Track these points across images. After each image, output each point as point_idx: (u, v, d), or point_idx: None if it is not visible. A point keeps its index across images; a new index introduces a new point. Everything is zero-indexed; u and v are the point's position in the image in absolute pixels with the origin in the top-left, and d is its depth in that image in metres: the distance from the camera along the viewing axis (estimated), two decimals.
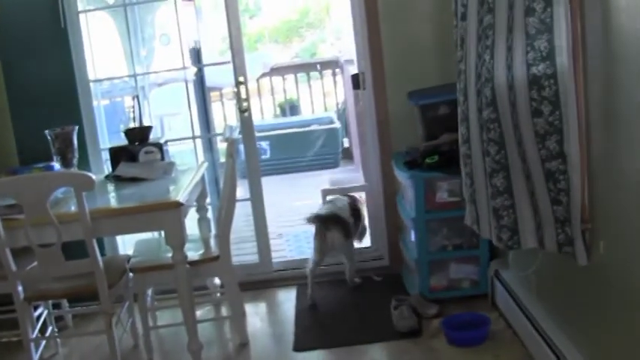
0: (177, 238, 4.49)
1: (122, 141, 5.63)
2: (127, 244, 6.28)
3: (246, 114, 6.02)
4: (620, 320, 3.24)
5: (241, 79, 5.95)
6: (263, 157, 10.24)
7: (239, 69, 5.96)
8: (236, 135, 5.13)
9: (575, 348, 3.76)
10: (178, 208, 4.43)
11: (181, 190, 4.66)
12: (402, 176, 5.37)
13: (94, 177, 4.31)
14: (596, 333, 3.55)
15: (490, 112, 3.75)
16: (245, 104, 5.98)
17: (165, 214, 4.44)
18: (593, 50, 3.17)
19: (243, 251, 6.80)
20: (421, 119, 5.46)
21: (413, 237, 5.31)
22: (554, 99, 3.26)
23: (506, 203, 3.83)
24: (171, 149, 5.86)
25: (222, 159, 6.63)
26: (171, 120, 10.10)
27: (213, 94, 10.24)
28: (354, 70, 6.58)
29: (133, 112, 5.66)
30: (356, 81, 6.04)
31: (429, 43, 5.71)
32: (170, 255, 4.61)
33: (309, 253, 6.28)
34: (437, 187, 5.12)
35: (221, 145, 7.41)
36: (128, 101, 8.76)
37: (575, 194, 3.31)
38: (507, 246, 3.90)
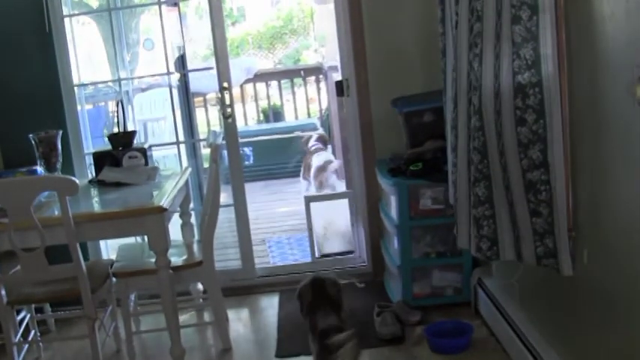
0: (160, 243, 4.49)
1: (105, 146, 5.62)
2: (110, 248, 6.27)
3: (229, 120, 6.02)
4: (603, 329, 3.26)
5: (225, 84, 5.94)
6: (246, 163, 10.24)
7: (223, 75, 5.96)
8: (220, 140, 5.13)
9: (558, 356, 3.78)
10: (162, 213, 4.43)
11: (165, 196, 4.65)
12: (385, 183, 5.37)
13: (77, 181, 4.31)
14: (579, 341, 3.56)
15: (476, 120, 3.76)
16: (229, 110, 5.98)
17: (149, 219, 4.44)
18: (578, 59, 3.19)
19: (226, 257, 6.80)
20: (405, 126, 5.47)
21: (396, 244, 5.32)
22: (538, 107, 3.28)
23: (487, 213, 3.84)
24: (155, 154, 5.85)
25: (206, 164, 6.62)
26: (155, 125, 10.11)
27: (197, 100, 10.25)
28: (338, 76, 6.59)
29: (117, 116, 5.65)
30: (340, 88, 6.04)
31: (414, 50, 5.73)
32: (153, 260, 4.61)
33: (292, 260, 6.32)
34: (420, 195, 5.13)
35: (205, 151, 7.41)
36: (112, 106, 8.76)
37: (560, 204, 3.32)
38: (486, 256, 3.91)
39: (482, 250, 3.89)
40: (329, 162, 8.56)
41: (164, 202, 4.48)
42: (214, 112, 11.78)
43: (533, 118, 3.31)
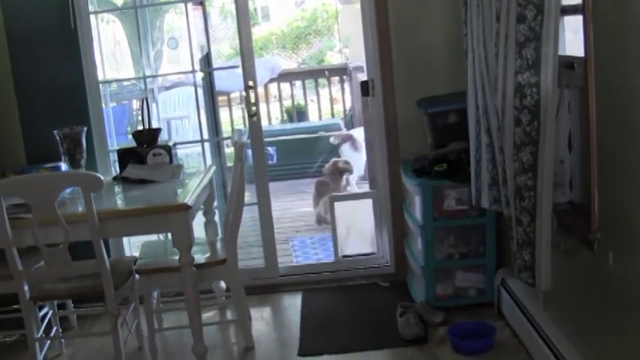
0: (184, 240, 4.49)
1: (129, 143, 5.63)
2: (132, 246, 6.28)
3: (254, 118, 6.02)
4: (628, 332, 3.23)
5: (251, 83, 5.94)
6: (270, 162, 10.23)
7: (248, 73, 5.96)
8: (244, 139, 5.12)
9: (582, 358, 3.75)
10: (186, 210, 4.43)
11: (189, 193, 4.65)
12: (410, 183, 5.36)
13: (102, 178, 4.32)
14: (604, 344, 3.53)
15: (496, 120, 3.75)
16: (254, 109, 5.98)
17: (173, 217, 4.44)
18: (605, 58, 3.16)
19: (249, 255, 6.80)
20: (430, 127, 5.45)
21: (420, 244, 5.30)
22: (534, 108, 3.25)
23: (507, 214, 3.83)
24: (179, 153, 5.86)
25: (230, 163, 6.62)
26: (179, 124, 10.14)
27: (221, 100, 10.26)
28: (362, 77, 6.59)
29: (142, 114, 5.65)
30: (365, 88, 6.03)
31: (439, 51, 5.71)
32: (176, 257, 4.61)
33: (315, 259, 6.32)
34: (445, 195, 5.11)
35: (229, 150, 7.41)
36: (136, 104, 8.79)
37: (545, 211, 3.28)
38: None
39: (513, 252, 3.88)
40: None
41: (188, 200, 4.48)
42: (238, 112, 11.80)
43: (527, 119, 3.28)
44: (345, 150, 9.47)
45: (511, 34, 3.36)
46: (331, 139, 9.96)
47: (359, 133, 9.43)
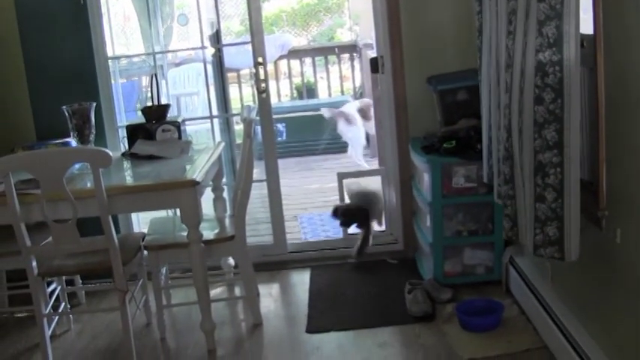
0: (192, 216, 4.49)
1: (138, 120, 5.63)
2: (141, 222, 6.29)
3: (264, 95, 6.01)
4: (636, 309, 3.23)
5: (260, 60, 5.93)
6: (279, 139, 10.22)
7: (258, 50, 5.94)
8: (254, 115, 5.11)
9: (589, 336, 3.75)
10: (194, 186, 4.43)
11: (198, 169, 4.65)
12: (419, 160, 5.35)
13: (111, 153, 4.31)
14: (611, 321, 3.53)
15: (507, 97, 3.73)
16: (263, 85, 5.97)
17: (181, 193, 4.44)
18: (615, 36, 3.15)
19: (257, 232, 6.81)
20: (440, 104, 5.44)
21: (428, 222, 5.30)
22: (557, 87, 3.22)
23: (510, 193, 3.82)
24: (188, 129, 5.85)
25: (239, 140, 6.61)
26: (188, 100, 10.13)
27: (231, 76, 10.24)
28: (372, 54, 6.56)
29: (151, 90, 5.65)
30: (375, 64, 6.01)
31: (449, 28, 5.68)
32: (185, 234, 4.62)
33: (323, 236, 6.34)
34: (453, 172, 5.09)
35: (238, 127, 7.40)
36: (145, 81, 8.78)
37: (574, 186, 3.27)
38: (507, 236, 3.90)
39: (505, 228, 3.88)
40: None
41: (197, 176, 4.48)
42: (248, 89, 11.79)
43: (551, 97, 3.26)
44: (341, 126, 9.49)
45: (532, 12, 3.34)
46: (324, 113, 10.01)
47: (350, 107, 9.47)
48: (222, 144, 5.65)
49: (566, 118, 3.20)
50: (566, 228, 3.32)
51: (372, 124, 9.13)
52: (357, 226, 6.18)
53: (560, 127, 3.24)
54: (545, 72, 3.25)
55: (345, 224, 6.28)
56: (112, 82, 6.13)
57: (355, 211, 6.19)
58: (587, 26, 3.25)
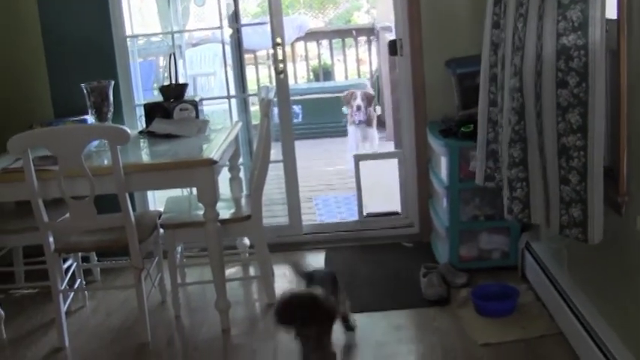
0: (209, 195, 4.50)
1: (155, 99, 5.63)
2: (157, 201, 6.30)
3: (281, 75, 6.00)
4: None
5: (278, 40, 5.92)
6: (295, 121, 10.23)
7: (276, 30, 5.93)
8: (271, 96, 5.11)
9: (606, 322, 3.74)
10: (211, 165, 4.43)
11: (215, 149, 4.66)
12: (436, 144, 5.34)
13: (129, 131, 4.32)
14: (629, 309, 3.52)
15: (516, 80, 3.72)
16: (281, 66, 5.96)
17: (198, 172, 4.45)
18: (638, 21, 3.13)
19: (273, 213, 6.81)
20: (458, 88, 5.43)
21: (445, 205, 5.29)
22: (582, 70, 3.21)
23: (521, 175, 3.81)
24: (205, 109, 5.85)
25: (256, 121, 6.61)
26: (204, 80, 10.13)
27: (248, 57, 10.24)
28: (390, 37, 6.54)
29: (169, 69, 5.65)
30: (393, 47, 6.00)
31: (468, 11, 5.65)
32: (201, 213, 4.63)
33: (339, 218, 6.33)
34: (471, 157, 5.07)
35: (254, 108, 7.40)
36: (162, 61, 8.79)
37: (597, 170, 3.26)
38: (517, 219, 3.89)
39: (513, 211, 3.87)
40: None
41: (214, 155, 4.49)
42: (264, 71, 11.78)
43: (575, 81, 3.25)
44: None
45: None
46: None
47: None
48: (240, 124, 5.66)
49: (591, 103, 3.19)
50: (590, 211, 3.31)
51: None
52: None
53: (584, 111, 3.23)
54: (570, 56, 3.23)
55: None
56: (130, 61, 6.12)
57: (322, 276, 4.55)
58: (610, 11, 3.23)
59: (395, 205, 6.37)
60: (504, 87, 4.06)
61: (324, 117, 10.98)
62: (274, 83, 6.10)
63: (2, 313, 4.87)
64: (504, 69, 4.05)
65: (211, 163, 4.43)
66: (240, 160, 5.74)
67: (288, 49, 8.22)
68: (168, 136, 5.15)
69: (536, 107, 3.54)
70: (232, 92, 6.65)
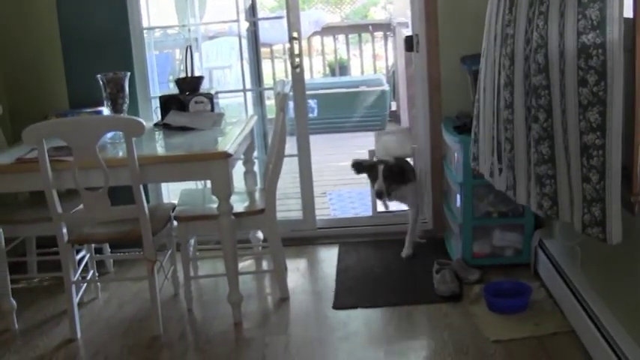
0: (223, 188, 4.50)
1: (171, 92, 5.63)
2: (171, 194, 6.30)
3: (297, 70, 6.00)
4: None
5: (295, 34, 5.92)
6: (310, 115, 10.23)
7: (293, 24, 5.93)
8: (287, 90, 5.10)
9: (618, 322, 3.73)
10: (226, 158, 4.43)
11: (230, 142, 4.66)
12: (451, 140, 5.33)
13: (144, 123, 4.32)
14: None
15: (542, 78, 3.70)
16: (297, 60, 5.96)
17: (213, 165, 4.45)
18: None
19: (287, 207, 6.82)
20: (473, 84, 5.40)
21: (458, 202, 5.29)
22: (601, 69, 3.20)
23: (550, 172, 3.79)
24: (221, 102, 5.86)
25: (271, 115, 6.61)
26: (220, 74, 10.12)
27: (264, 52, 10.23)
28: (406, 32, 6.53)
29: (185, 61, 5.65)
30: (409, 43, 5.99)
31: (485, 7, 5.63)
32: (215, 206, 4.63)
33: (352, 213, 6.31)
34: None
35: (270, 102, 7.40)
36: (178, 54, 8.79)
37: (615, 168, 3.25)
38: (547, 215, 3.87)
39: (543, 207, 3.84)
40: None
41: (229, 148, 4.49)
42: (280, 65, 11.78)
43: (594, 79, 3.23)
44: None
45: None
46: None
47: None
48: (255, 117, 5.67)
49: (609, 101, 3.17)
50: (608, 210, 3.29)
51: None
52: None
53: (603, 109, 3.21)
54: (589, 54, 3.22)
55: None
56: (147, 53, 6.13)
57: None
58: (626, 10, 3.22)
59: None
60: (514, 83, 4.04)
61: (340, 112, 10.98)
62: (290, 77, 6.09)
63: (14, 303, 4.88)
64: (514, 65, 4.03)
65: (226, 156, 4.42)
66: (255, 153, 5.74)
67: (304, 43, 8.22)
68: (184, 129, 5.16)
69: (561, 105, 3.53)
70: (248, 86, 6.64)
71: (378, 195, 5.59)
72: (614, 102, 3.16)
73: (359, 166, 5.73)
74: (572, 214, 3.59)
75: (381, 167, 5.50)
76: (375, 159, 5.93)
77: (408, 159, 5.99)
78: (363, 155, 6.23)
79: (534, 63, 3.75)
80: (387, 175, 5.49)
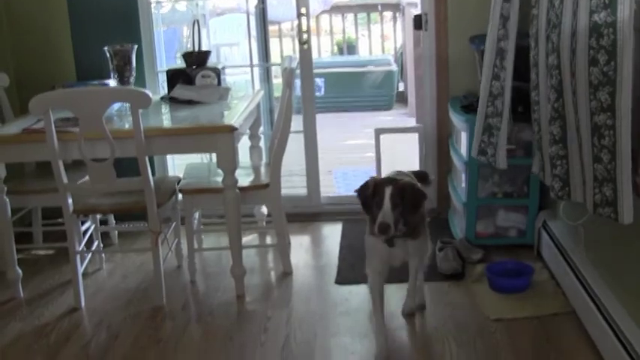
0: (229, 162, 4.51)
1: (178, 66, 5.64)
2: (176, 169, 6.32)
3: (305, 46, 6.00)
4: None
5: (303, 10, 5.92)
6: (317, 94, 10.23)
7: (301, 1, 5.92)
8: (295, 65, 5.10)
9: (620, 304, 3.73)
10: (232, 132, 4.44)
11: (236, 116, 4.67)
12: (457, 119, 5.32)
13: (150, 94, 4.33)
14: None
15: (554, 58, 3.71)
16: (305, 36, 5.96)
17: (219, 138, 4.46)
18: None
19: (292, 184, 6.83)
20: (481, 64, 5.40)
21: (463, 181, 5.29)
22: (611, 49, 3.19)
23: (561, 153, 3.80)
24: (228, 80, 5.87)
25: (277, 93, 6.61)
26: (227, 51, 10.11)
27: (272, 30, 10.23)
28: (415, 12, 6.52)
29: (192, 35, 5.65)
30: (418, 21, 5.98)
31: None
32: (220, 179, 4.64)
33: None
34: None
35: (276, 81, 7.40)
36: (186, 30, 8.78)
37: (625, 148, 3.25)
38: (558, 196, 3.87)
39: (554, 189, 3.85)
40: None
41: (234, 122, 4.50)
42: (288, 44, 11.77)
43: (605, 59, 3.23)
44: None
45: None
46: None
47: None
48: (262, 92, 5.68)
49: (619, 81, 3.17)
50: (619, 191, 3.29)
51: None
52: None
53: (612, 89, 3.20)
54: (600, 33, 3.21)
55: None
56: (154, 28, 6.13)
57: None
58: None
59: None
60: (538, 64, 4.05)
61: (347, 91, 10.98)
62: (298, 54, 6.08)
63: (20, 272, 4.91)
64: (538, 45, 4.03)
65: (232, 129, 4.43)
66: (261, 129, 5.74)
67: (312, 22, 8.22)
68: (190, 102, 5.17)
69: (572, 85, 3.53)
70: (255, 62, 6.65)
71: (382, 229, 3.81)
72: (623, 82, 3.15)
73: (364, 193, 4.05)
74: (585, 194, 3.59)
75: (388, 190, 3.85)
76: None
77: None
78: (368, 135, 6.22)
79: (549, 42, 3.75)
80: (397, 200, 3.84)
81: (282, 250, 5.17)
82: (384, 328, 4.05)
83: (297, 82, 6.19)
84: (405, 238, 4.01)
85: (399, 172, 4.34)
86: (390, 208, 3.80)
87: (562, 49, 3.60)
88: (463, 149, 5.26)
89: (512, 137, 4.94)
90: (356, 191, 4.11)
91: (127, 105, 4.61)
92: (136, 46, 5.15)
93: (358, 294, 4.76)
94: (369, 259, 4.16)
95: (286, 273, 5.13)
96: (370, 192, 3.94)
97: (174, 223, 5.17)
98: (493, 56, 4.46)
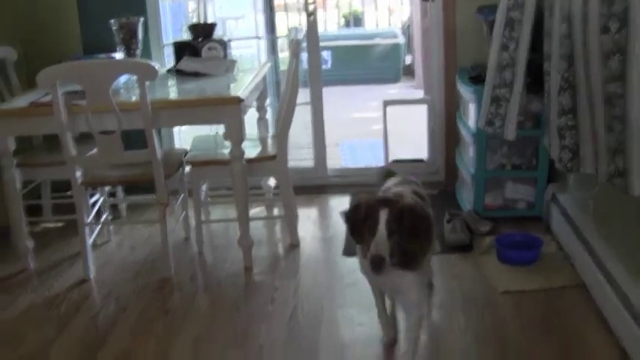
0: (236, 133, 4.50)
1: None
2: (183, 142, 6.31)
3: (311, 18, 5.98)
4: None
5: None
6: (324, 67, 10.21)
7: None
8: (301, 37, 5.09)
9: (629, 275, 3.71)
10: (238, 104, 4.43)
11: (242, 87, 4.67)
12: (465, 91, 5.31)
13: (157, 66, 4.32)
14: None
15: (566, 27, 3.67)
16: (311, 7, 5.93)
17: (226, 109, 4.46)
18: None
19: (299, 157, 6.82)
20: (489, 35, 5.38)
21: (471, 153, 5.27)
22: (622, 15, 3.16)
23: (570, 123, 3.76)
24: (234, 53, 5.85)
25: (284, 67, 6.60)
26: (233, 25, 10.08)
27: (277, 5, 10.19)
28: None
29: (198, 7, 5.64)
30: None
31: None
32: (227, 151, 4.64)
33: (364, 163, 6.29)
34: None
35: (282, 55, 7.39)
36: (191, 5, 8.76)
37: (634, 119, 3.23)
38: (567, 168, 3.84)
39: (562, 160, 3.82)
40: None
41: (241, 94, 4.49)
42: (294, 16, 11.74)
43: (616, 26, 3.19)
44: None
45: None
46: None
47: None
48: (268, 64, 5.67)
49: (630, 50, 3.14)
50: (629, 162, 3.28)
51: None
52: None
53: (623, 58, 3.18)
54: (612, 0, 3.19)
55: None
56: (160, 1, 6.11)
57: None
58: None
59: (421, 153, 6.35)
60: (552, 34, 4.02)
61: (353, 64, 10.96)
62: (305, 26, 6.06)
63: (31, 244, 4.93)
64: (553, 15, 4.00)
65: (238, 101, 4.43)
66: (268, 101, 5.74)
67: None
68: (196, 75, 5.16)
69: (584, 54, 3.50)
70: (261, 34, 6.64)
71: (376, 264, 3.14)
72: (634, 50, 3.13)
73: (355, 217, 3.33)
74: (598, 164, 3.57)
75: (384, 213, 3.17)
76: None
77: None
78: (376, 108, 6.20)
79: (562, 11, 3.72)
80: (394, 227, 3.18)
81: (290, 222, 5.17)
82: (387, 317, 3.88)
83: (304, 55, 6.17)
84: (395, 267, 3.28)
85: (400, 182, 4.04)
86: (386, 237, 3.15)
87: (573, 17, 3.57)
88: (471, 121, 5.25)
89: (521, 108, 4.93)
90: (344, 214, 3.57)
91: (134, 77, 4.60)
92: (142, 19, 5.14)
93: None
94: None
95: (293, 245, 5.13)
96: (361, 216, 3.25)
97: (181, 195, 5.18)
98: (502, 26, 4.43)
